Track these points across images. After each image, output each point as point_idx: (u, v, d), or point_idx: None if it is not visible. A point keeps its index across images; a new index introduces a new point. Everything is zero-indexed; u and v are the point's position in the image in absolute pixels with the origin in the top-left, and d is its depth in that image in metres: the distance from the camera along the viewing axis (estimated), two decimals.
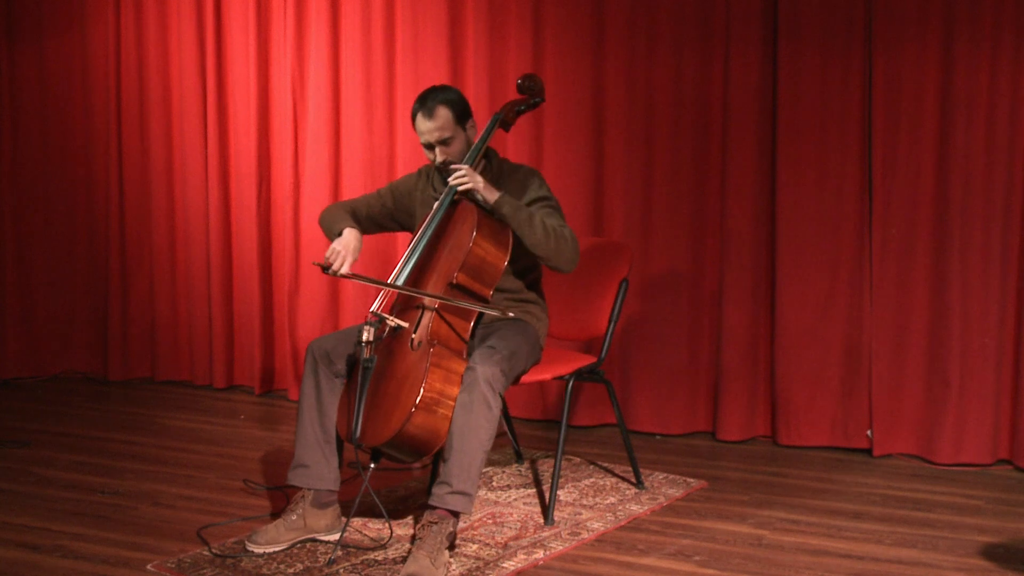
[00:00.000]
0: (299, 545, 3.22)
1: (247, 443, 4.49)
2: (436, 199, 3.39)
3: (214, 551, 3.17)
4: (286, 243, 5.24)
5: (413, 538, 3.24)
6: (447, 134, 3.33)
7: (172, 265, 5.63)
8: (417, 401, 2.99)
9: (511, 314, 3.27)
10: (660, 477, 3.96)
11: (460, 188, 3.22)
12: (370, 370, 3.06)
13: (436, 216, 3.29)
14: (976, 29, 4.00)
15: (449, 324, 3.17)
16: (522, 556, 3.15)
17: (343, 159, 5.12)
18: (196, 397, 5.36)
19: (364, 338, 3.05)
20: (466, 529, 3.37)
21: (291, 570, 3.04)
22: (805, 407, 4.35)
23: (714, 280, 4.51)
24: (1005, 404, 4.10)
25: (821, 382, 4.34)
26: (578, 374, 3.60)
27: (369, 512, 3.43)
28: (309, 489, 3.25)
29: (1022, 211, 4.03)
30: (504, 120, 3.50)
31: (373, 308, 3.19)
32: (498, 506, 3.62)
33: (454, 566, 3.06)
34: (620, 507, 3.61)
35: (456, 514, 3.07)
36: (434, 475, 3.65)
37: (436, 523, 3.02)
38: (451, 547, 3.16)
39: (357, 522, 3.39)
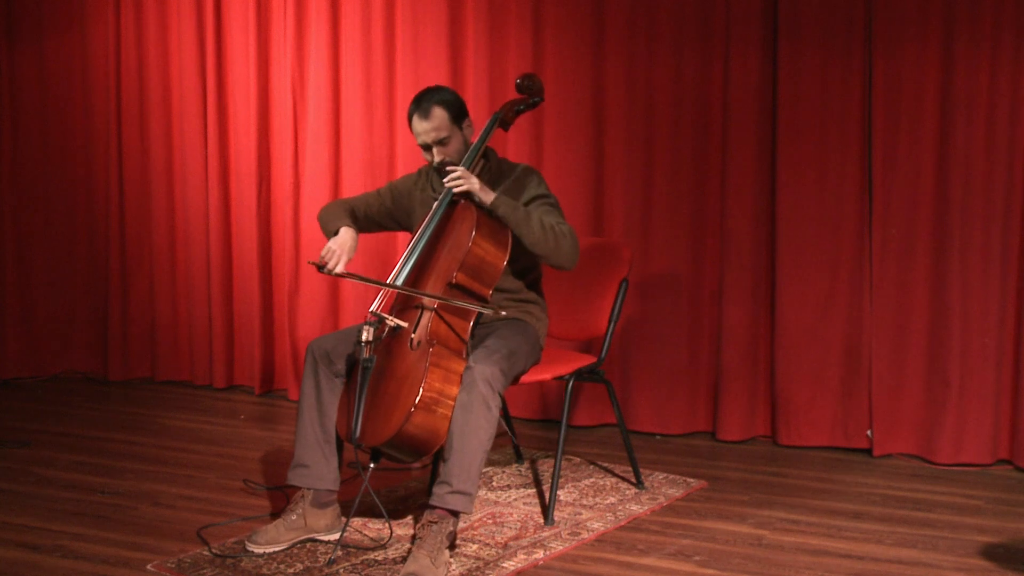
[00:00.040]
0: (299, 545, 3.22)
1: (247, 443, 4.49)
2: (435, 199, 3.39)
3: (214, 551, 3.17)
4: (286, 243, 5.24)
5: (413, 538, 3.24)
6: (443, 134, 3.34)
7: (172, 265, 5.63)
8: (416, 401, 2.99)
9: (503, 312, 3.27)
10: (660, 477, 3.96)
11: (455, 191, 3.22)
12: (369, 370, 3.06)
13: (435, 216, 3.29)
14: (976, 29, 4.00)
15: (448, 324, 3.17)
16: (522, 556, 3.15)
17: (343, 159, 5.12)
18: (196, 397, 5.36)
19: (363, 338, 3.05)
20: (466, 529, 3.37)
21: (291, 570, 3.04)
22: (805, 407, 4.35)
23: (714, 280, 4.51)
24: (1005, 404, 4.10)
25: (821, 382, 4.34)
26: (578, 374, 3.60)
27: (369, 512, 3.43)
28: (309, 489, 3.25)
29: (1022, 211, 4.03)
30: (503, 119, 3.51)
31: (372, 308, 3.19)
32: (498, 506, 3.62)
33: (454, 566, 3.06)
34: (620, 507, 3.61)
35: (456, 514, 3.07)
36: (434, 475, 3.65)
37: (436, 523, 3.02)
38: (451, 547, 3.16)
39: (357, 522, 3.39)
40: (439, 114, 3.33)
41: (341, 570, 3.04)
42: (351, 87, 5.05)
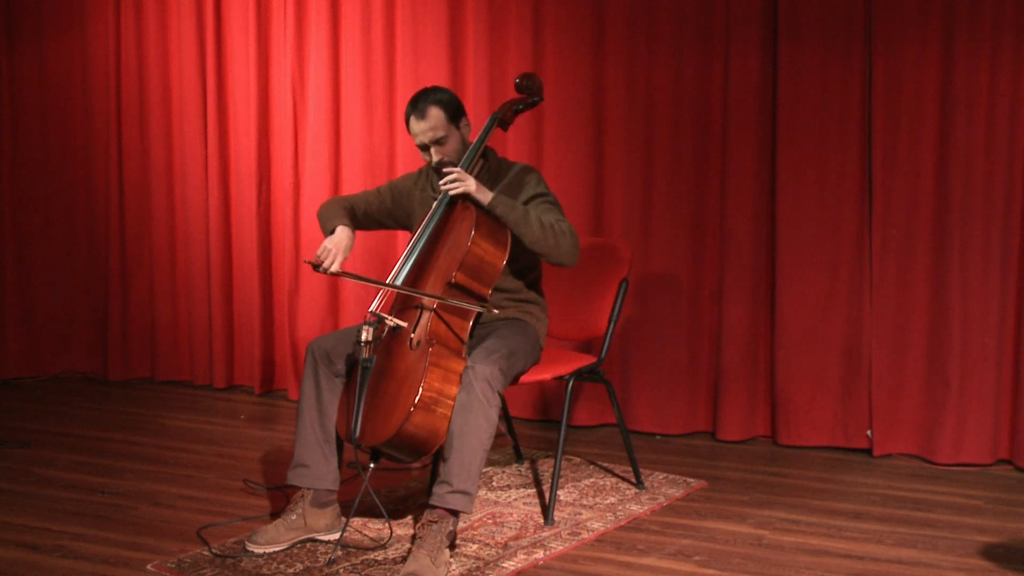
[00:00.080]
0: (299, 545, 3.22)
1: (247, 443, 4.49)
2: (435, 199, 3.40)
3: (214, 551, 3.17)
4: (286, 243, 5.24)
5: (413, 538, 3.24)
6: (440, 134, 3.34)
7: (172, 265, 5.63)
8: (416, 400, 2.99)
9: (495, 311, 3.27)
10: (660, 477, 3.96)
11: (452, 192, 3.22)
12: (369, 370, 3.06)
13: (434, 216, 3.29)
14: (976, 29, 4.00)
15: (448, 324, 3.17)
16: (522, 556, 3.15)
17: (343, 159, 5.12)
18: (196, 397, 5.36)
19: (363, 338, 3.05)
20: (466, 529, 3.37)
21: (291, 570, 3.04)
22: (805, 407, 4.35)
23: (714, 280, 4.51)
24: (1005, 404, 4.10)
25: (821, 382, 4.34)
26: (578, 374, 3.60)
27: (369, 512, 3.43)
28: (309, 489, 3.25)
29: (1022, 211, 4.03)
30: (502, 119, 3.51)
31: (372, 308, 3.19)
32: (498, 506, 3.62)
33: (454, 566, 3.06)
34: (620, 507, 3.61)
35: (456, 513, 3.07)
36: (434, 475, 3.65)
37: (436, 522, 3.02)
38: (451, 546, 3.16)
39: (357, 522, 3.39)
40: (435, 114, 3.33)
41: (341, 570, 3.04)
42: (351, 87, 5.05)
